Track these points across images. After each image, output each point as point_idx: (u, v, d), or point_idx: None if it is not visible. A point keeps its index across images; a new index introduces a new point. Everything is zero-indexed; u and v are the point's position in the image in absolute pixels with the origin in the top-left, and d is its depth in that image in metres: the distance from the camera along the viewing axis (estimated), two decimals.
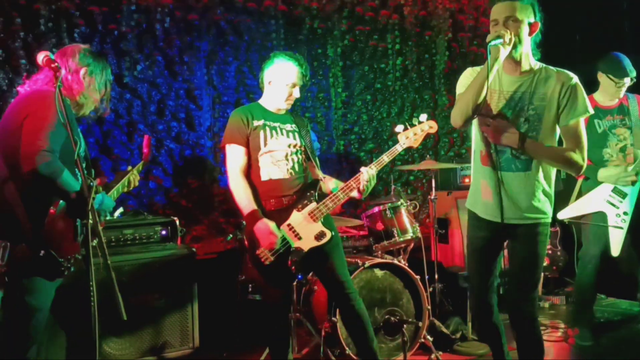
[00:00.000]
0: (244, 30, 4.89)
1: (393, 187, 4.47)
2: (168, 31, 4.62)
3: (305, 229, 3.03)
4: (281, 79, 3.10)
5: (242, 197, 3.00)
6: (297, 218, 3.04)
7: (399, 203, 4.00)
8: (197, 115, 4.76)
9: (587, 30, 5.53)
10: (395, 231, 3.93)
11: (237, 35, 4.87)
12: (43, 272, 2.33)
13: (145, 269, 3.61)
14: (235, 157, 3.06)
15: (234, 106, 4.88)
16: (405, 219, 3.99)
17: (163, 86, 4.63)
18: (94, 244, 2.13)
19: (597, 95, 3.90)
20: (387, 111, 5.57)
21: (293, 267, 2.98)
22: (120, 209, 4.06)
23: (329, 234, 3.06)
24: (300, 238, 3.02)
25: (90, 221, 2.10)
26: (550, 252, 4.86)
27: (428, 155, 4.82)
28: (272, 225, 2.94)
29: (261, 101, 3.21)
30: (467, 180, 5.17)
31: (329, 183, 3.23)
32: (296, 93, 3.14)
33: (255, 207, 2.98)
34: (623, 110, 3.84)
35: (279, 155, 3.08)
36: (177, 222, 3.92)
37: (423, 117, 3.14)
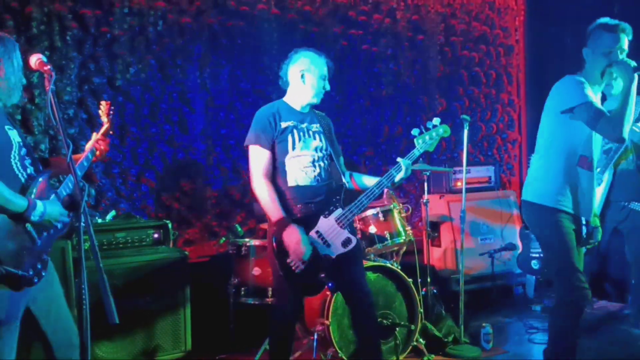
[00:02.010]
0: (237, 34, 4.89)
1: (386, 190, 4.48)
2: (161, 34, 4.61)
3: (332, 235, 3.03)
4: (316, 72, 3.12)
5: (270, 201, 2.98)
6: (324, 225, 3.03)
7: (392, 206, 4.01)
8: (190, 119, 4.75)
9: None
10: (387, 234, 3.94)
11: (230, 38, 4.87)
12: (6, 285, 2.27)
13: (137, 272, 3.60)
14: (260, 159, 3.03)
15: (227, 109, 4.88)
16: (398, 222, 4.00)
17: (156, 89, 4.63)
18: (86, 248, 2.12)
19: None
20: (381, 115, 5.58)
21: (323, 275, 3.00)
22: (112, 212, 4.05)
23: (354, 240, 3.07)
24: (328, 245, 3.02)
25: (83, 224, 2.09)
26: (541, 255, 4.88)
27: (421, 159, 4.83)
28: (302, 235, 2.92)
29: (287, 99, 3.19)
30: (459, 183, 5.19)
31: (358, 180, 3.29)
32: (327, 86, 3.18)
33: (283, 213, 2.96)
34: None
35: (307, 160, 3.07)
36: (170, 225, 3.91)
37: (436, 120, 3.17)
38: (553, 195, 3.04)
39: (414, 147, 3.15)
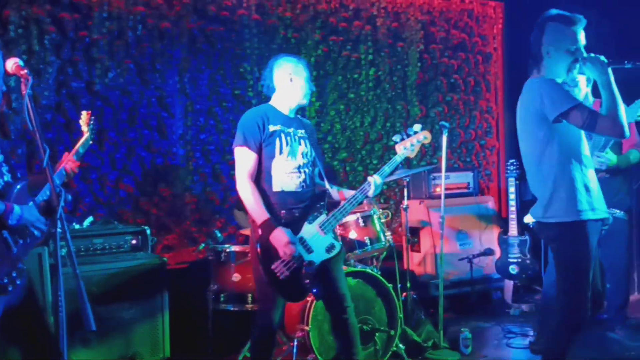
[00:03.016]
0: (217, 39, 4.88)
1: None
2: (140, 39, 4.59)
3: (316, 241, 3.04)
4: (302, 74, 3.14)
5: (254, 204, 2.97)
6: (308, 231, 3.03)
7: (372, 212, 4.02)
8: (169, 123, 4.72)
9: None
10: (367, 240, 3.95)
11: (210, 43, 4.86)
12: None
13: (115, 278, 3.56)
14: (245, 161, 3.02)
15: (207, 114, 4.86)
16: (378, 228, 4.01)
17: (135, 94, 4.59)
18: (63, 254, 2.09)
19: None
20: (360, 121, 5.61)
21: (307, 281, 2.99)
22: (90, 218, 4.01)
23: (337, 246, 3.09)
24: (312, 251, 3.02)
25: (59, 230, 2.06)
26: (519, 260, 4.93)
27: (400, 165, 4.86)
28: (289, 234, 2.92)
29: (273, 102, 3.19)
30: (438, 189, 5.23)
31: (334, 192, 3.29)
32: (313, 86, 3.24)
33: (268, 215, 2.96)
34: None
35: (293, 165, 3.07)
36: (148, 231, 3.88)
37: (417, 127, 3.18)
38: (575, 207, 2.82)
39: (393, 153, 3.17)
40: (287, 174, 3.05)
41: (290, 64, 3.15)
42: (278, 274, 2.93)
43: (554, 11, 2.93)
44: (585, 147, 2.97)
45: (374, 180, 3.09)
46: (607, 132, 2.80)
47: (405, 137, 3.17)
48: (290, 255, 2.91)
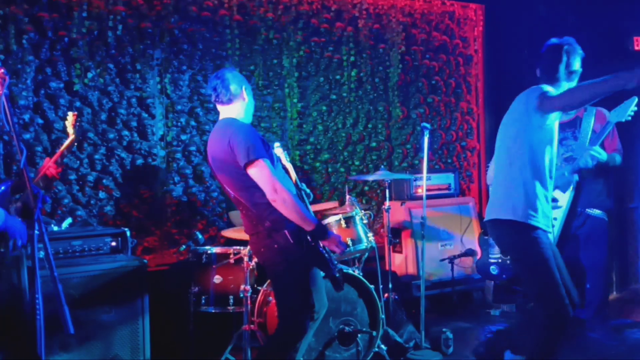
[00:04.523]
0: (199, 39, 4.85)
1: (348, 197, 4.49)
2: (120, 39, 4.54)
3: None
4: (249, 87, 3.16)
5: (303, 210, 2.94)
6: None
7: (354, 213, 4.02)
8: (149, 124, 4.68)
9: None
10: (350, 241, 3.95)
11: (191, 44, 4.83)
12: None
13: (94, 281, 3.52)
14: (272, 172, 2.90)
15: (188, 115, 4.83)
16: (360, 229, 4.01)
17: (114, 94, 4.54)
18: (40, 256, 2.06)
19: None
20: (342, 122, 5.61)
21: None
22: (69, 220, 3.96)
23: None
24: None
25: (37, 232, 2.03)
26: (500, 260, 4.97)
27: (382, 166, 4.87)
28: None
29: (241, 119, 3.12)
30: (419, 190, 5.25)
31: None
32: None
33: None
34: (575, 124, 4.02)
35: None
36: (128, 233, 3.84)
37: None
38: (530, 212, 3.02)
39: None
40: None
41: (238, 76, 3.15)
42: (333, 269, 3.03)
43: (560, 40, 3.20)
44: (551, 170, 3.14)
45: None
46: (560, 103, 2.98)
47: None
48: (342, 251, 3.06)
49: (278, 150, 3.19)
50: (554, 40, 3.19)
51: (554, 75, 3.10)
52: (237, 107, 3.10)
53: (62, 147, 2.77)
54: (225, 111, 3.11)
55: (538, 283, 3.02)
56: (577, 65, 3.13)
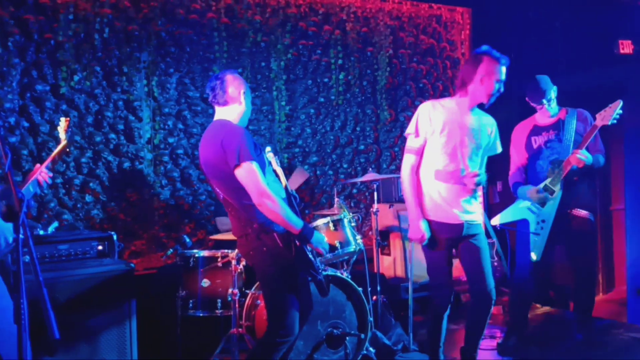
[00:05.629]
0: (186, 42, 4.84)
1: (336, 199, 4.50)
2: (107, 41, 4.52)
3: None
4: (249, 91, 3.13)
5: (290, 212, 2.92)
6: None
7: (342, 216, 4.03)
8: (136, 127, 4.66)
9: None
10: (338, 244, 3.95)
11: (179, 46, 4.81)
12: None
13: (81, 285, 3.48)
14: (260, 176, 2.87)
15: (175, 118, 4.81)
16: (348, 232, 4.01)
17: (101, 97, 4.52)
18: (26, 260, 2.04)
19: (537, 115, 4.16)
20: (330, 125, 5.62)
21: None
22: (55, 224, 3.92)
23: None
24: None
25: (22, 236, 2.01)
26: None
27: (370, 169, 4.88)
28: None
29: (238, 122, 3.09)
30: None
31: None
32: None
33: None
34: (558, 126, 4.04)
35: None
36: (115, 236, 3.81)
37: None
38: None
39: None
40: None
41: (239, 79, 3.14)
42: (319, 273, 3.04)
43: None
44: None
45: None
46: None
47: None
48: (326, 252, 3.09)
49: (269, 154, 3.18)
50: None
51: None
52: (232, 110, 3.08)
53: (54, 153, 2.75)
54: (221, 112, 3.11)
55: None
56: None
